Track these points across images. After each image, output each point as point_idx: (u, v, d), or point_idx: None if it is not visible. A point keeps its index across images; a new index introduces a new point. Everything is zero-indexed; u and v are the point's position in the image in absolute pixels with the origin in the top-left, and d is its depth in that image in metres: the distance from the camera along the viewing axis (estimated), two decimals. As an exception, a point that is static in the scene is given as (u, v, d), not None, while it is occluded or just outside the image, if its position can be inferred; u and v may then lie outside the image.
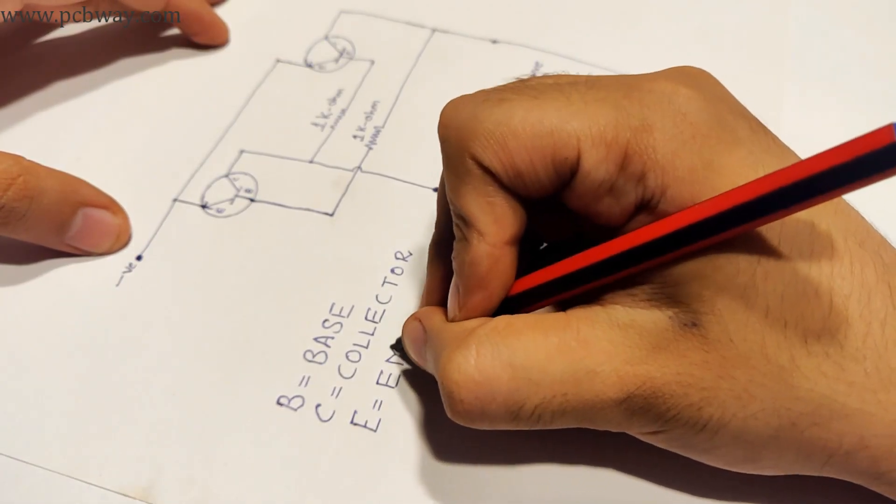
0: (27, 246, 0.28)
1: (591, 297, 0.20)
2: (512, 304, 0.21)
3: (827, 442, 0.18)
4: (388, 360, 0.26)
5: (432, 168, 0.31)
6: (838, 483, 0.20)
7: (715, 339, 0.18)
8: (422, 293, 0.26)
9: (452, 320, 0.22)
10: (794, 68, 0.35)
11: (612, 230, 0.20)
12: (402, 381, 0.25)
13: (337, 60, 0.36)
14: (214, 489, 0.23)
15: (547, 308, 0.22)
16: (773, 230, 0.18)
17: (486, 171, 0.19)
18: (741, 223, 0.17)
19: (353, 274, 0.28)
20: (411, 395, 0.25)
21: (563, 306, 0.21)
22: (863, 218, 0.20)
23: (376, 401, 0.25)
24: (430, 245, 0.25)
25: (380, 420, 0.24)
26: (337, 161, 0.32)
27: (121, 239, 0.29)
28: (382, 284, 0.28)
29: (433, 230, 0.25)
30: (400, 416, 0.24)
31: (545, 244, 0.25)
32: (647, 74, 0.21)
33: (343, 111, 0.34)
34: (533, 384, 0.19)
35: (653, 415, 0.19)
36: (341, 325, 0.27)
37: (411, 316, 0.24)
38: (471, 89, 0.22)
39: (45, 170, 0.27)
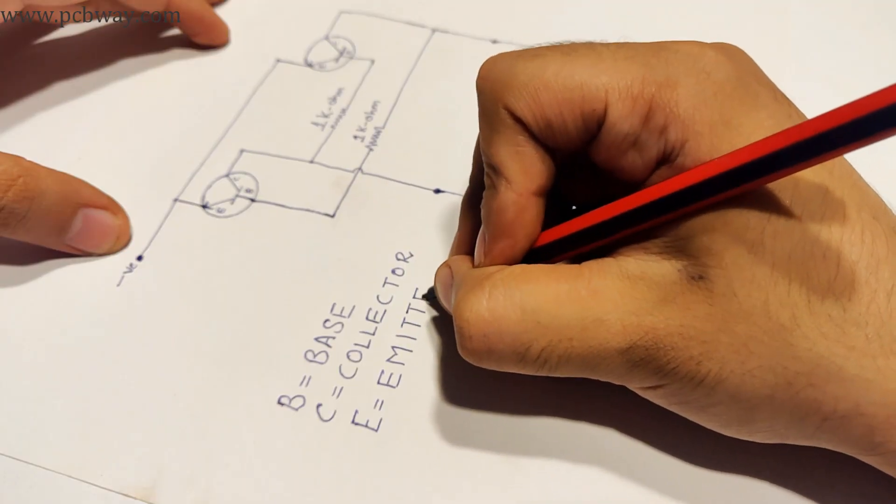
0: (27, 247, 0.28)
1: (606, 252, 0.21)
2: (538, 256, 0.22)
3: (822, 404, 0.18)
4: (388, 360, 0.26)
5: (432, 169, 0.31)
6: (828, 461, 0.20)
7: (720, 293, 0.18)
8: (452, 243, 0.27)
9: (478, 266, 0.22)
10: (795, 68, 0.35)
11: (634, 188, 0.20)
12: (404, 381, 0.25)
13: (337, 60, 0.36)
14: (216, 489, 0.23)
15: (564, 261, 0.23)
16: (786, 191, 0.18)
17: (518, 121, 0.20)
18: (756, 177, 0.17)
19: (354, 274, 0.28)
20: (413, 395, 0.25)
21: (580, 260, 0.21)
22: (880, 198, 0.20)
23: (377, 400, 0.25)
24: (463, 198, 0.26)
25: (381, 420, 0.24)
26: (337, 161, 0.32)
27: (121, 239, 0.29)
28: (383, 285, 0.28)
29: (463, 167, 0.25)
30: (401, 416, 0.24)
31: (574, 207, 0.26)
32: (678, 41, 0.21)
33: (343, 111, 0.34)
34: (541, 327, 0.19)
35: (653, 367, 0.19)
36: (342, 325, 0.27)
37: (442, 263, 0.25)
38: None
39: (45, 171, 0.27)
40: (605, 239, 0.21)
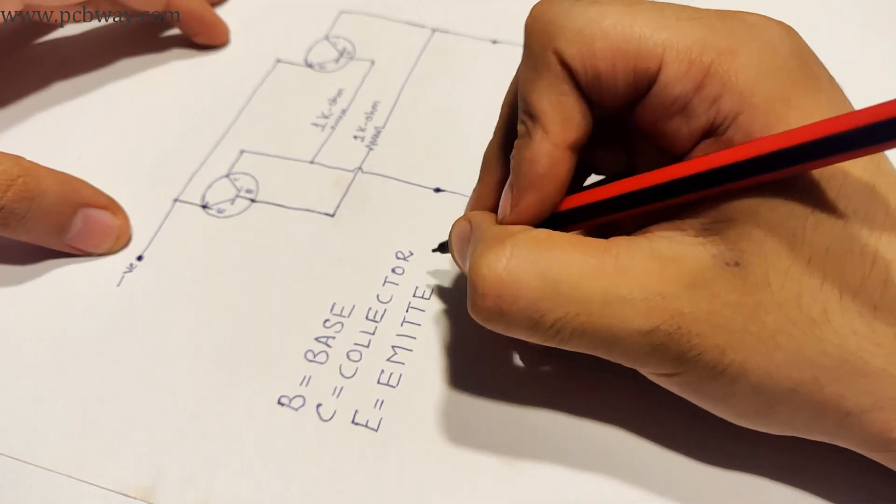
0: (27, 246, 0.28)
1: (634, 230, 0.20)
2: (558, 221, 0.21)
3: (844, 400, 0.18)
4: (388, 360, 0.26)
5: (433, 168, 0.31)
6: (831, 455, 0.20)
7: (754, 282, 0.18)
8: (469, 199, 0.25)
9: (502, 222, 0.21)
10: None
11: (669, 162, 0.20)
12: (404, 381, 0.25)
13: (337, 60, 0.36)
14: (216, 489, 0.23)
15: (584, 231, 0.22)
16: (833, 183, 0.18)
17: (566, 68, 0.19)
18: (811, 159, 0.17)
19: (354, 274, 0.28)
20: (413, 395, 0.25)
21: (605, 236, 0.20)
22: None
23: (377, 400, 0.25)
24: (487, 150, 0.24)
25: (381, 420, 0.24)
26: (337, 161, 0.32)
27: (121, 239, 0.29)
28: (383, 284, 0.28)
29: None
30: (401, 416, 0.24)
31: (594, 179, 0.25)
32: (744, 11, 0.20)
33: (343, 111, 0.34)
34: (560, 296, 0.18)
35: (674, 353, 0.18)
36: (342, 325, 0.27)
37: (460, 217, 0.24)
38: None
39: (45, 170, 0.27)
40: (639, 209, 0.20)
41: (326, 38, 0.37)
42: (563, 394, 0.25)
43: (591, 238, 0.20)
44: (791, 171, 0.17)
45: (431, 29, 0.38)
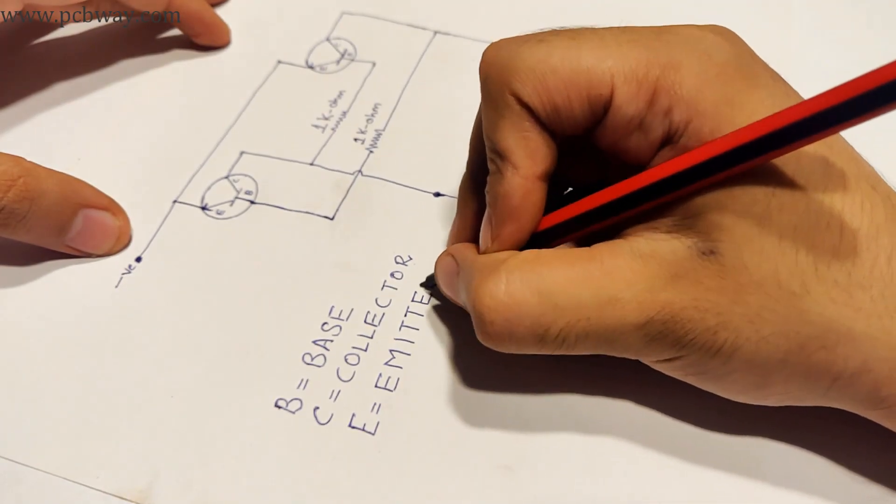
0: (27, 247, 0.28)
1: (613, 234, 0.22)
2: (539, 240, 0.23)
3: (832, 365, 0.19)
4: (386, 364, 0.26)
5: (433, 172, 0.31)
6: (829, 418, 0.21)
7: (731, 266, 0.19)
8: (450, 232, 0.27)
9: (484, 252, 0.23)
10: (795, 68, 0.35)
11: (636, 170, 0.21)
12: (401, 385, 0.25)
13: (338, 62, 0.36)
14: (212, 492, 0.23)
15: (572, 245, 0.23)
16: (789, 166, 0.19)
17: (525, 106, 0.21)
18: (760, 154, 0.18)
19: (353, 277, 0.28)
20: (410, 399, 0.25)
21: (587, 244, 0.22)
22: (875, 170, 0.21)
23: (375, 404, 0.25)
24: (461, 186, 0.26)
25: (378, 423, 0.24)
26: (338, 164, 0.32)
27: (121, 240, 0.29)
28: (382, 288, 0.28)
29: (463, 171, 0.26)
30: (398, 420, 0.24)
31: (570, 189, 0.26)
32: (677, 25, 0.22)
33: (344, 113, 0.34)
34: (559, 309, 0.20)
35: (671, 340, 0.20)
36: (340, 328, 0.27)
37: (443, 252, 0.25)
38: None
39: (45, 171, 0.27)
40: (612, 219, 0.21)
41: (328, 39, 0.37)
42: (561, 398, 0.25)
43: (575, 249, 0.21)
44: (743, 166, 0.18)
45: (433, 31, 0.38)
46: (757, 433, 0.24)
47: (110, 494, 0.23)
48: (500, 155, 0.21)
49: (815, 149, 0.19)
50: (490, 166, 0.22)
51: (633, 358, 0.21)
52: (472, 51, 0.36)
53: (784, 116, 0.17)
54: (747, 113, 0.19)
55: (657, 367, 0.22)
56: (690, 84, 0.20)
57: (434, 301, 0.27)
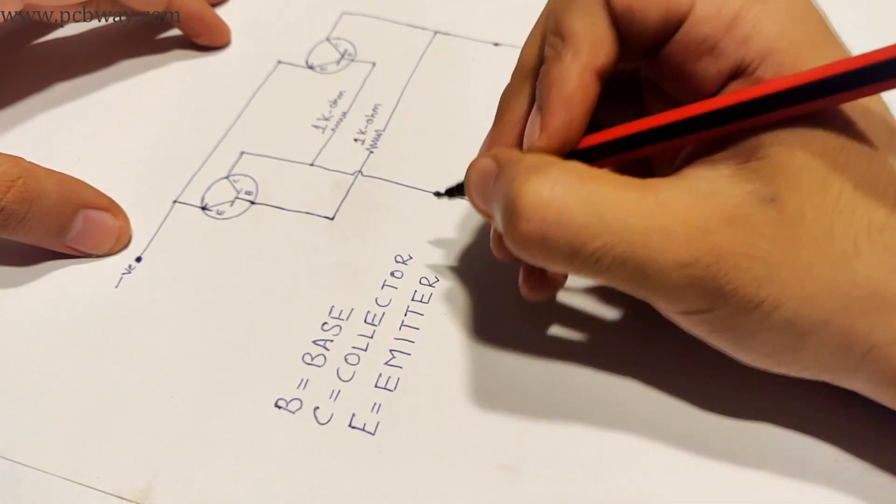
0: (27, 247, 0.28)
1: (667, 173, 0.21)
2: (588, 157, 0.21)
3: (872, 331, 0.19)
4: (386, 364, 0.26)
5: (433, 172, 0.31)
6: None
7: (790, 216, 0.19)
8: (483, 143, 0.25)
9: (529, 148, 0.21)
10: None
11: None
12: (401, 385, 0.25)
13: (338, 62, 0.36)
14: (212, 492, 0.23)
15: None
16: (860, 118, 0.19)
17: None
18: (842, 90, 0.18)
19: (353, 277, 0.28)
20: (410, 399, 0.25)
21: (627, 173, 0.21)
22: None
23: (375, 404, 0.25)
24: (504, 92, 0.24)
25: (378, 423, 0.24)
26: (338, 164, 0.32)
27: (121, 241, 0.29)
28: (382, 288, 0.28)
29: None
30: (398, 420, 0.24)
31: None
32: None
33: (344, 113, 0.34)
34: (605, 225, 0.19)
35: (711, 286, 0.19)
36: (340, 328, 0.27)
37: (479, 156, 0.23)
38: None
39: (45, 171, 0.27)
40: (671, 140, 0.20)
41: (328, 39, 0.37)
42: (561, 398, 0.25)
43: (627, 176, 0.20)
44: (824, 102, 0.18)
45: (433, 31, 0.38)
46: (760, 418, 0.24)
47: (110, 494, 0.23)
48: (563, 37, 0.21)
49: (884, 110, 0.20)
50: (548, 52, 0.21)
51: (662, 305, 0.20)
52: (472, 51, 0.36)
53: (873, 55, 0.17)
54: (829, 59, 0.19)
55: (680, 319, 0.21)
56: (776, 19, 0.19)
57: (434, 301, 0.27)
